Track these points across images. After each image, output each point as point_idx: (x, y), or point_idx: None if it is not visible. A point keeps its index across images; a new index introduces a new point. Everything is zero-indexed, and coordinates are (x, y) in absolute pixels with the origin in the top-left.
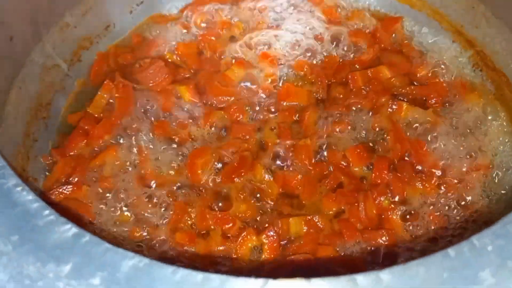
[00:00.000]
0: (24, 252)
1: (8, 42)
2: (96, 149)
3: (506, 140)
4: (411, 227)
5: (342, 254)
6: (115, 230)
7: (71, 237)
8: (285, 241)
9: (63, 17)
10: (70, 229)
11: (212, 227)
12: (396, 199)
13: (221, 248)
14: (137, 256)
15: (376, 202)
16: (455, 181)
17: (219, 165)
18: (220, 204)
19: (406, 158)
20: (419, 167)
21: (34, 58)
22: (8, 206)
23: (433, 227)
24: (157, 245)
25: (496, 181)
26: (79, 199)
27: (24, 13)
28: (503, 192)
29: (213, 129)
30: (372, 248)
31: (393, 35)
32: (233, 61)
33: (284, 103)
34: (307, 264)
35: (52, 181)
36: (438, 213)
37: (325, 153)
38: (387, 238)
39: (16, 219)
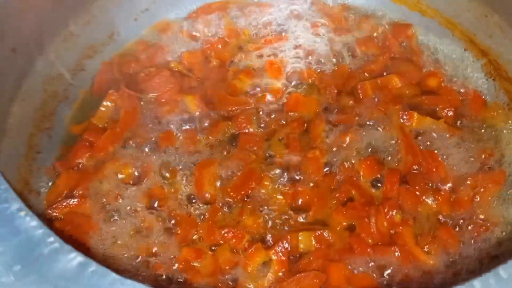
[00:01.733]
0: (28, 284)
1: (11, 53)
2: (100, 161)
3: None
4: (425, 244)
5: (355, 272)
6: (119, 244)
7: (76, 267)
8: (294, 257)
9: (66, 27)
10: (75, 258)
11: (220, 242)
12: (408, 213)
13: (228, 264)
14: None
15: (388, 216)
16: (469, 195)
17: (227, 177)
18: (227, 218)
19: (417, 170)
20: (431, 180)
21: (38, 69)
22: (11, 233)
23: (447, 245)
24: (162, 261)
25: (510, 196)
26: (83, 213)
27: (27, 24)
28: None
29: (220, 140)
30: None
31: (403, 43)
32: (241, 70)
33: (292, 113)
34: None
35: (55, 194)
36: (451, 228)
37: (335, 165)
38: (399, 254)
39: (19, 248)
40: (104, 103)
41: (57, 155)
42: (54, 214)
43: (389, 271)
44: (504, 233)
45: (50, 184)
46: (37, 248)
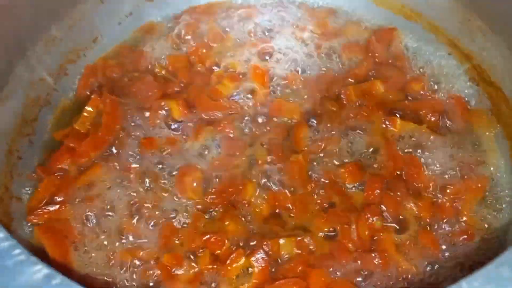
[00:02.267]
0: None
1: None
2: (82, 167)
3: (503, 157)
4: (406, 251)
5: (335, 278)
6: (99, 252)
7: (41, 279)
8: (275, 262)
9: (48, 31)
10: (40, 270)
11: (201, 248)
12: (389, 219)
13: (209, 271)
14: None
15: (368, 222)
16: (451, 200)
17: (209, 183)
18: (209, 224)
19: (399, 176)
20: (413, 186)
21: (18, 73)
22: None
23: (427, 250)
24: (143, 268)
25: (493, 200)
26: (64, 219)
27: (7, 27)
28: (499, 213)
29: (203, 144)
30: (365, 272)
31: (388, 47)
32: (224, 74)
33: (276, 119)
34: None
35: (37, 200)
36: (432, 234)
37: (317, 171)
38: (380, 261)
39: None
40: (87, 108)
41: (39, 161)
42: (35, 220)
43: (370, 278)
44: (484, 239)
45: (31, 190)
46: (1, 261)
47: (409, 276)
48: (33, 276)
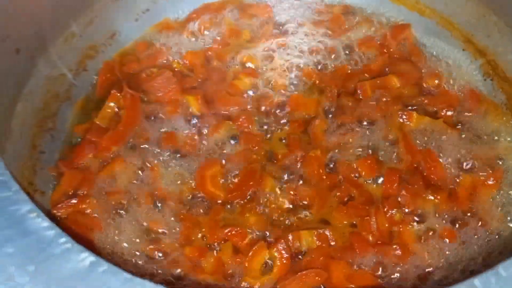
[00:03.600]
0: (41, 284)
1: (14, 55)
2: (103, 161)
3: None
4: (424, 241)
5: (356, 269)
6: (124, 245)
7: (88, 266)
8: (296, 255)
9: (68, 27)
10: (87, 258)
11: (223, 240)
12: (408, 212)
13: (232, 262)
14: (155, 286)
15: (388, 215)
16: (467, 193)
17: (229, 177)
18: (230, 217)
19: (417, 169)
20: (430, 179)
21: (40, 69)
22: (23, 235)
23: (446, 241)
24: (167, 260)
25: (509, 193)
26: (87, 213)
27: (29, 25)
28: None
29: (222, 139)
30: (386, 264)
31: (402, 43)
32: (241, 70)
33: (293, 113)
34: (320, 282)
35: (60, 194)
36: (450, 227)
37: (336, 165)
38: (400, 252)
39: (31, 248)
40: (107, 103)
41: (60, 155)
42: (59, 213)
43: (389, 269)
44: (502, 232)
45: (54, 184)
46: (49, 249)
47: (430, 269)
48: (80, 263)
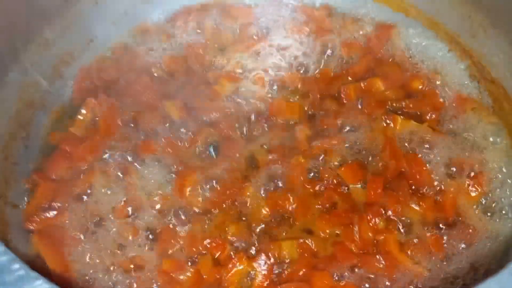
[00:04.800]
0: None
1: None
2: (79, 171)
3: (505, 155)
4: (409, 251)
5: (339, 282)
6: (98, 259)
7: None
8: (278, 266)
9: (41, 33)
10: (41, 285)
11: (202, 253)
12: (392, 220)
13: (210, 276)
14: None
15: (371, 223)
16: (453, 199)
17: (208, 185)
18: (210, 227)
19: (401, 175)
20: (415, 185)
21: (12, 77)
22: None
23: (432, 251)
24: (144, 275)
25: (495, 200)
26: (62, 226)
27: (0, 31)
28: (502, 212)
29: (201, 147)
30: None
31: (387, 44)
32: (221, 74)
33: (275, 119)
34: None
35: (33, 206)
36: (436, 234)
37: (318, 171)
38: (384, 263)
39: None
40: (82, 111)
41: (35, 166)
42: (32, 227)
43: (374, 281)
44: (488, 236)
45: (28, 195)
46: (2, 276)
47: (416, 279)
48: None
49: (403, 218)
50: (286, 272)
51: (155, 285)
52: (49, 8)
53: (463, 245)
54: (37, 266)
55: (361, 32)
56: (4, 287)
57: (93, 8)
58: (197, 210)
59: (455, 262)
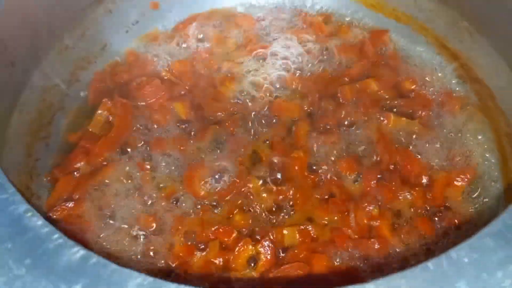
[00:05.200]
0: (37, 275)
1: (10, 67)
2: (96, 166)
3: (490, 150)
4: (401, 235)
5: (336, 263)
6: (116, 245)
7: (79, 259)
8: (280, 250)
9: (61, 40)
10: (78, 252)
11: (212, 237)
12: (385, 208)
13: (219, 259)
14: (141, 275)
15: (366, 211)
16: (441, 190)
17: (216, 178)
18: (217, 216)
19: (394, 167)
20: (407, 176)
21: (34, 81)
22: (20, 232)
23: (422, 235)
24: (157, 259)
25: (480, 190)
26: (81, 215)
27: (24, 38)
28: (485, 200)
29: (209, 143)
30: (365, 256)
31: (380, 48)
32: (227, 77)
33: (277, 117)
34: (302, 274)
35: (55, 198)
36: (426, 221)
37: (317, 165)
38: (379, 246)
39: (28, 244)
40: (99, 111)
41: (55, 162)
42: (54, 216)
43: (368, 261)
44: (472, 224)
45: (50, 188)
46: (44, 244)
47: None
48: (72, 257)
49: (396, 205)
50: (288, 255)
51: (171, 264)
52: (68, 17)
53: (450, 229)
54: None
55: (356, 37)
56: (47, 253)
57: (107, 16)
58: (205, 200)
59: (443, 242)
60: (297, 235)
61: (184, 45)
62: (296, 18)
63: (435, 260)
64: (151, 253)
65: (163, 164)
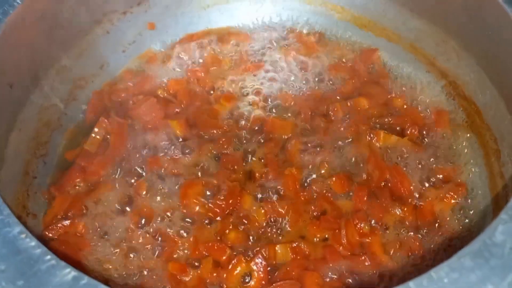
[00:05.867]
0: None
1: (8, 89)
2: (93, 184)
3: (478, 166)
4: (391, 252)
5: (328, 280)
6: (111, 263)
7: (71, 280)
8: (273, 267)
9: (59, 60)
10: (69, 273)
11: (204, 256)
12: (376, 224)
13: (212, 276)
14: None
15: (357, 227)
16: (430, 206)
17: (210, 196)
18: (211, 233)
19: (384, 184)
20: (397, 193)
21: (33, 100)
22: (13, 253)
23: (412, 251)
24: (152, 277)
25: (469, 206)
26: (76, 233)
27: (23, 60)
28: (474, 216)
29: (203, 160)
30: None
31: (371, 67)
32: (222, 95)
33: (270, 135)
34: None
35: (51, 216)
36: (416, 237)
37: (310, 181)
38: (369, 263)
39: (21, 265)
40: (95, 130)
41: (52, 180)
42: (50, 235)
43: (359, 278)
44: (461, 240)
45: (46, 207)
46: (36, 265)
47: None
48: (64, 278)
49: (386, 223)
50: (280, 272)
51: (163, 284)
52: (66, 38)
53: (439, 245)
54: None
55: (347, 56)
56: (40, 274)
57: (105, 37)
58: (199, 218)
59: (432, 258)
60: (290, 252)
61: (179, 64)
62: (289, 37)
63: (417, 280)
64: (145, 272)
65: (159, 181)
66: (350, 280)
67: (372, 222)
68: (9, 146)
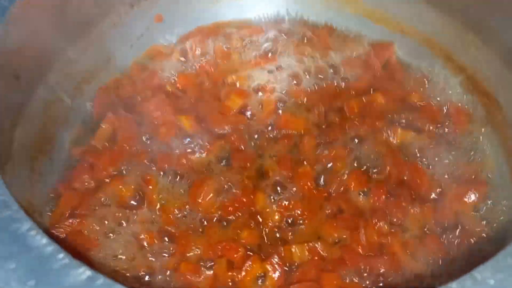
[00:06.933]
0: None
1: (14, 81)
2: (100, 181)
3: (500, 164)
4: (413, 252)
5: (347, 281)
6: (120, 263)
7: (85, 280)
8: (289, 268)
9: (65, 54)
10: (84, 272)
11: (218, 256)
12: (395, 224)
13: (226, 277)
14: None
15: (376, 227)
16: (451, 204)
17: (222, 194)
18: (224, 233)
19: (403, 182)
20: (416, 191)
21: (39, 94)
22: (23, 251)
23: (432, 252)
24: (164, 277)
25: (491, 205)
26: (84, 232)
27: (29, 52)
28: (497, 215)
29: (214, 158)
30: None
31: (386, 61)
32: (232, 90)
33: (283, 131)
34: None
35: (58, 214)
36: (436, 238)
37: (325, 180)
38: (390, 264)
39: (32, 264)
40: (103, 126)
41: (59, 177)
42: (57, 233)
43: (380, 279)
44: (484, 240)
45: (52, 204)
46: (49, 264)
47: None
48: (78, 277)
49: (406, 222)
50: (297, 273)
51: (174, 285)
52: (73, 29)
53: (461, 244)
54: None
55: (361, 51)
56: (52, 274)
57: (112, 30)
58: (211, 217)
59: (455, 258)
60: (306, 252)
61: (188, 58)
62: (301, 32)
63: (459, 281)
64: (157, 271)
65: (169, 178)
66: (371, 282)
67: (391, 222)
68: (15, 142)
